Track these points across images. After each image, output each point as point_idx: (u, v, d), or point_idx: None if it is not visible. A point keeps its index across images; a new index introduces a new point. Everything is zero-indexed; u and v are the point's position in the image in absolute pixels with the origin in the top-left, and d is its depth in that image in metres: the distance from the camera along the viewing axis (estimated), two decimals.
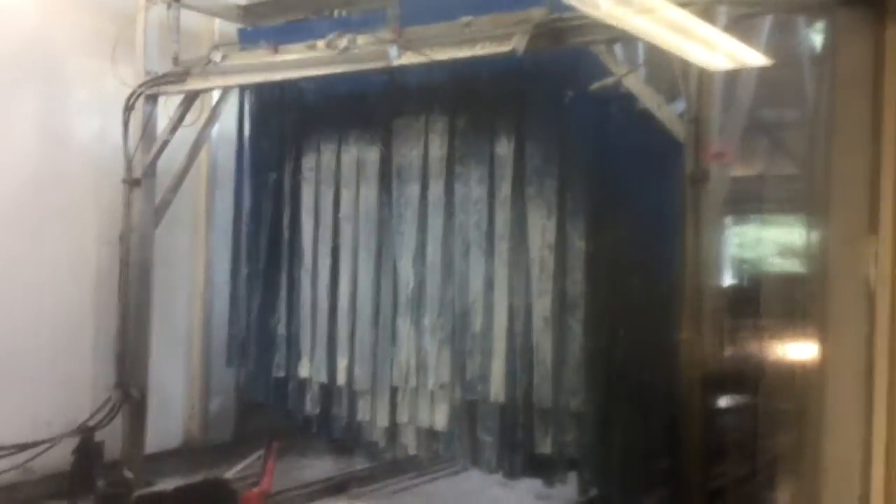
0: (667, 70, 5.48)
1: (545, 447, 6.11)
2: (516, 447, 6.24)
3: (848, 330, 2.34)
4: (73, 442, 6.76)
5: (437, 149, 6.53)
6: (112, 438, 7.02)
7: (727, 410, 6.66)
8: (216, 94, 7.53)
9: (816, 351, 3.08)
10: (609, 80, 5.45)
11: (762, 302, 6.90)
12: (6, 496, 6.30)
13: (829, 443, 2.52)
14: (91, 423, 6.90)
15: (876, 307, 2.43)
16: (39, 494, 6.48)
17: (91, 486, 6.56)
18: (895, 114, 2.42)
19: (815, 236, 4.73)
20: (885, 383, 2.41)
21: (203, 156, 8.05)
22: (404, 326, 6.65)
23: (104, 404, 7.01)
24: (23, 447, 6.43)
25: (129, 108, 7.06)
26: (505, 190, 6.23)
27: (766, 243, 7.78)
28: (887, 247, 2.40)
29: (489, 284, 6.27)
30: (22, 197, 6.81)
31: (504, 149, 6.25)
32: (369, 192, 6.91)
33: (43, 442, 6.57)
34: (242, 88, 7.47)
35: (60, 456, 6.68)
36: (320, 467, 8.03)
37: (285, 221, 7.47)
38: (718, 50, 4.53)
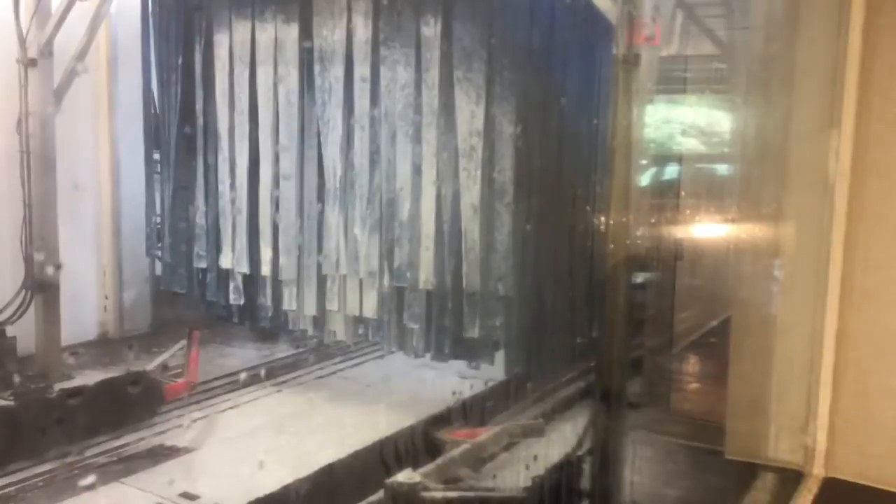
0: None
1: (473, 331, 6.21)
2: (444, 332, 6.30)
3: (807, 222, 2.39)
4: None
5: (361, 30, 6.25)
6: (26, 333, 6.78)
7: (648, 287, 6.89)
8: None
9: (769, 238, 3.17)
10: None
11: (682, 182, 7.06)
12: None
13: (781, 332, 2.62)
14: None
15: (834, 200, 2.50)
16: None
17: (7, 382, 6.37)
18: (862, 8, 2.42)
19: (739, 118, 4.80)
20: (838, 275, 2.51)
21: (102, 34, 7.50)
22: (333, 215, 6.53)
23: (13, 299, 6.73)
24: None
25: None
26: (432, 74, 6.04)
27: (681, 123, 7.90)
28: (847, 141, 2.45)
29: (417, 172, 6.16)
30: None
31: (430, 30, 6.02)
32: (289, 76, 6.60)
33: None
34: None
35: None
36: (244, 356, 8.00)
37: (199, 105, 7.10)
38: None
